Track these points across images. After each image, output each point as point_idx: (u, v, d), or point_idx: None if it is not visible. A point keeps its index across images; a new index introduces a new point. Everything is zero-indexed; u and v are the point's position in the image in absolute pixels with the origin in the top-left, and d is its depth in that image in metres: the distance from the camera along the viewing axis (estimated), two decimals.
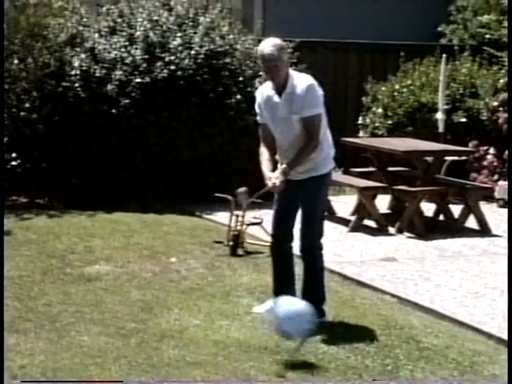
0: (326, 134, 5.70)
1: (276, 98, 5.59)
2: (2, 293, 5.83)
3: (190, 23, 10.08)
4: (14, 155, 9.77)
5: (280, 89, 5.57)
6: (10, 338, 5.23)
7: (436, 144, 9.65)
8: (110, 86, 9.60)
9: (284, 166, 5.54)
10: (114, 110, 9.56)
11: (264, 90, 5.69)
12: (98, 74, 9.66)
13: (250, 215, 7.66)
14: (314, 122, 5.53)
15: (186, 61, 9.68)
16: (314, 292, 5.78)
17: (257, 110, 5.77)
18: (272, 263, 5.98)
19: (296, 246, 5.85)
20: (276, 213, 5.79)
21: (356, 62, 12.24)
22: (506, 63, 11.31)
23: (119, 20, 10.12)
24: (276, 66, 5.49)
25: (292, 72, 5.62)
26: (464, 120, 10.89)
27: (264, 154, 5.70)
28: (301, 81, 5.54)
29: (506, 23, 11.93)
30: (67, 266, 7.00)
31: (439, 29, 13.19)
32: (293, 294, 5.91)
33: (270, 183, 5.55)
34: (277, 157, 5.72)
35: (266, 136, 5.71)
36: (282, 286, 5.93)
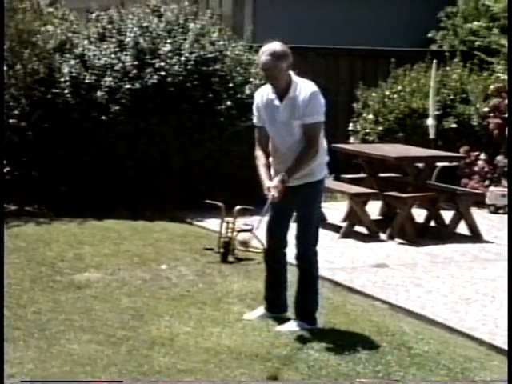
0: (322, 140, 5.71)
1: (277, 102, 5.58)
2: (2, 295, 5.81)
3: (180, 29, 10.10)
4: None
5: (282, 93, 5.56)
6: None
7: (427, 150, 9.67)
8: (99, 93, 9.60)
9: (283, 173, 5.52)
10: (103, 117, 9.55)
11: (264, 93, 5.67)
12: (87, 81, 9.66)
13: (241, 222, 7.66)
14: (316, 129, 5.55)
15: (176, 67, 9.68)
16: (308, 299, 5.78)
17: (254, 111, 5.75)
18: (265, 269, 5.98)
19: (290, 253, 5.84)
20: (270, 219, 5.77)
21: (347, 68, 12.27)
22: (497, 69, 11.36)
23: (109, 26, 10.12)
24: (273, 74, 5.50)
25: (295, 77, 5.60)
26: (455, 126, 10.92)
27: (260, 158, 5.68)
28: (304, 87, 5.54)
29: (495, 30, 11.99)
30: (57, 273, 6.98)
31: (429, 35, 13.24)
32: (284, 300, 5.92)
33: (269, 195, 5.52)
34: (270, 159, 5.73)
35: (262, 138, 5.70)
36: (274, 293, 5.94)
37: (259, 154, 5.70)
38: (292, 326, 5.70)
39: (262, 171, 5.62)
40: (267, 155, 5.68)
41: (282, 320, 5.82)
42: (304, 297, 5.77)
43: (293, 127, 5.55)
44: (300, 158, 5.54)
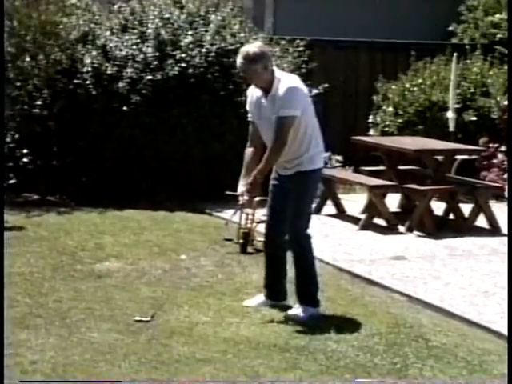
0: (314, 133, 5.75)
1: (263, 99, 5.72)
2: (2, 291, 5.84)
3: (201, 21, 10.09)
4: (25, 151, 9.78)
5: (266, 90, 5.68)
6: (20, 334, 5.26)
7: (446, 143, 9.63)
8: (121, 84, 9.61)
9: (254, 172, 5.67)
10: (124, 108, 9.57)
11: (254, 90, 5.80)
12: (109, 72, 9.68)
13: (261, 213, 7.65)
14: (284, 122, 5.59)
15: (197, 58, 9.68)
16: (307, 283, 5.84)
17: (247, 107, 5.90)
18: (265, 256, 6.07)
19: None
20: (269, 207, 5.93)
21: (367, 61, 12.23)
22: None
23: (131, 18, 10.13)
24: (248, 76, 5.69)
25: (279, 74, 5.70)
26: (475, 119, 10.87)
27: (246, 156, 5.86)
28: (283, 83, 5.62)
29: None
30: (78, 262, 7.01)
31: (450, 28, 13.17)
32: (283, 288, 6.00)
33: (240, 200, 5.77)
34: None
35: (255, 133, 5.84)
36: (273, 280, 6.00)
37: (247, 151, 5.87)
38: (297, 311, 5.75)
39: (242, 172, 5.81)
40: (259, 151, 5.78)
41: (284, 308, 5.87)
42: (302, 281, 5.84)
43: (274, 122, 5.63)
44: (267, 152, 5.66)
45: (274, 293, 6.00)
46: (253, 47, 5.68)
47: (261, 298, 6.03)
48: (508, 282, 6.63)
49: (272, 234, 5.93)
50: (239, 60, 5.63)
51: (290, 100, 5.57)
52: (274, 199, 5.89)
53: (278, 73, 5.69)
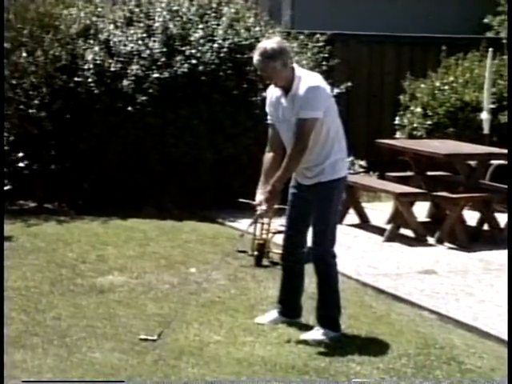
0: (337, 137, 5.76)
1: (283, 99, 5.73)
2: (2, 301, 5.86)
3: (213, 14, 10.13)
4: (20, 155, 9.83)
5: (286, 90, 5.70)
6: (15, 354, 5.27)
7: (480, 146, 9.62)
8: (125, 82, 9.65)
9: (273, 179, 5.68)
10: (129, 108, 9.61)
11: (274, 90, 5.82)
12: (112, 69, 9.72)
13: (277, 223, 7.67)
14: (305, 125, 5.60)
15: (208, 55, 9.72)
16: (329, 305, 5.85)
17: (267, 109, 5.91)
18: (282, 269, 6.09)
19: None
20: (288, 217, 5.94)
21: (393, 57, 12.24)
22: None
23: (136, 10, 10.18)
24: (267, 74, 5.69)
25: (299, 72, 5.71)
26: None
27: (265, 162, 5.87)
28: (304, 82, 5.64)
29: None
30: (78, 276, 7.03)
31: (485, 20, 13.16)
32: (299, 305, 6.03)
33: (258, 209, 5.78)
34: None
35: (274, 137, 5.85)
36: (290, 296, 6.03)
37: (266, 157, 5.88)
38: (317, 335, 5.74)
39: (261, 180, 5.83)
40: (279, 156, 5.79)
41: (303, 326, 5.87)
42: (324, 302, 5.86)
43: (294, 124, 5.65)
44: (287, 158, 5.67)
45: (289, 309, 6.03)
46: (271, 43, 5.69)
47: (274, 314, 6.05)
48: (508, 287, 6.63)
49: (290, 245, 5.95)
50: (256, 57, 5.65)
51: (312, 101, 5.58)
52: (292, 209, 5.90)
53: (298, 71, 5.70)
